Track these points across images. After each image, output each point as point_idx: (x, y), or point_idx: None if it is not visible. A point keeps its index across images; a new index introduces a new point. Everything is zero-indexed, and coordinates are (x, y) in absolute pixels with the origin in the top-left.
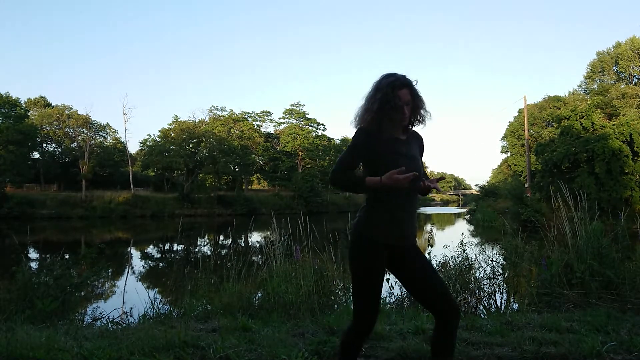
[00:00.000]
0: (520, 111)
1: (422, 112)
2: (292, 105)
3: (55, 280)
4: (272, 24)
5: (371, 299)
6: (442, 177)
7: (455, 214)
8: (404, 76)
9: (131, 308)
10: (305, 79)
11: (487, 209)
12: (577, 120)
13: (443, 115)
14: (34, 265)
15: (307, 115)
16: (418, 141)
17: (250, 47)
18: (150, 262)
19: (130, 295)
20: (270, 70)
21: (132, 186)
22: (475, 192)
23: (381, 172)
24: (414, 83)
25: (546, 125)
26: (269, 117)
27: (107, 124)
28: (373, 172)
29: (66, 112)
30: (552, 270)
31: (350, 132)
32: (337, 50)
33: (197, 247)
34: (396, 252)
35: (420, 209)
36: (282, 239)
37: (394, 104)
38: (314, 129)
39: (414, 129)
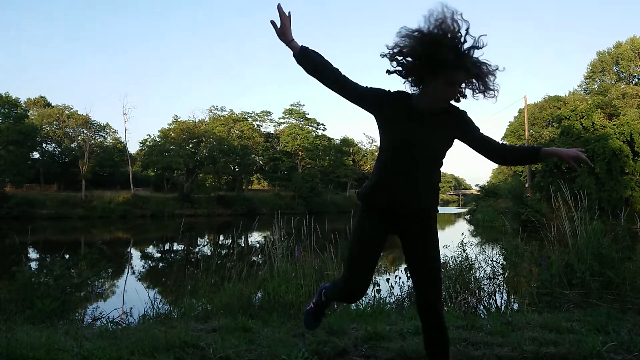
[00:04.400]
0: (520, 111)
1: (487, 89)
2: (292, 105)
3: (55, 281)
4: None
5: (354, 260)
6: None
7: (455, 214)
8: None
9: (131, 308)
10: (306, 78)
11: (487, 209)
12: (577, 120)
13: None
14: (34, 265)
15: (307, 115)
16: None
17: (251, 47)
18: (150, 262)
19: (130, 295)
20: (270, 70)
21: (132, 186)
22: (476, 192)
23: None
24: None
25: (546, 125)
26: (269, 117)
27: (107, 124)
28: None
29: (66, 112)
30: (552, 270)
31: (349, 131)
32: (337, 50)
33: (197, 248)
34: (397, 219)
35: None
36: (283, 238)
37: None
38: (314, 129)
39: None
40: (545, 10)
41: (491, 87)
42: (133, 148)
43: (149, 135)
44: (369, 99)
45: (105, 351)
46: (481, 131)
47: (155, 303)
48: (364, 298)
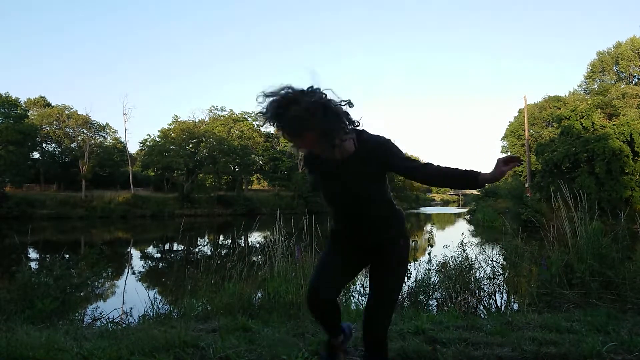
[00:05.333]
0: (520, 111)
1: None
2: None
3: (55, 281)
4: (272, 24)
5: (321, 262)
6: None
7: (455, 214)
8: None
9: (131, 308)
10: (305, 78)
11: (487, 209)
12: (577, 120)
13: (443, 115)
14: (34, 265)
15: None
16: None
17: (251, 47)
18: (150, 262)
19: (130, 295)
20: (270, 70)
21: (132, 186)
22: (476, 192)
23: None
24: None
25: (546, 125)
26: None
27: (107, 124)
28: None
29: (66, 112)
30: (552, 270)
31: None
32: (337, 50)
33: (197, 248)
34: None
35: (421, 209)
36: (283, 238)
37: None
38: None
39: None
40: (545, 10)
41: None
42: (133, 148)
43: (149, 135)
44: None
45: (105, 351)
46: (405, 160)
47: (155, 303)
48: (363, 298)
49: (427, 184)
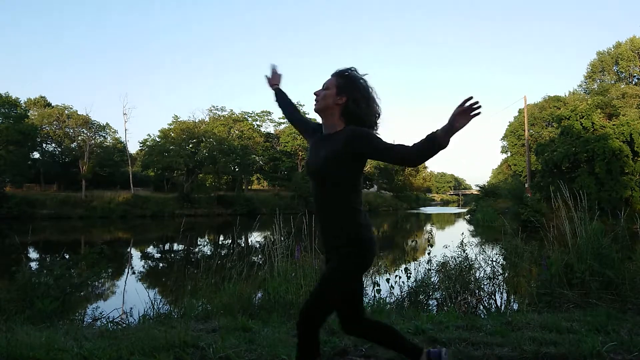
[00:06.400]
0: (520, 111)
1: (357, 106)
2: None
3: (55, 281)
4: (272, 24)
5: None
6: None
7: (455, 214)
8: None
9: (131, 308)
10: (305, 78)
11: (487, 209)
12: (577, 120)
13: (443, 115)
14: (34, 265)
15: (307, 115)
16: (341, 136)
17: (251, 47)
18: (150, 262)
19: (130, 295)
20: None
21: (132, 186)
22: (476, 192)
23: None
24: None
25: (546, 125)
26: (269, 117)
27: (107, 124)
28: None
29: (66, 112)
30: (552, 270)
31: None
32: (337, 50)
33: (197, 247)
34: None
35: (421, 209)
36: (283, 238)
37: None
38: None
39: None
40: (546, 10)
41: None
42: (133, 148)
43: (149, 135)
44: (308, 131)
45: (105, 351)
46: (386, 144)
47: (155, 303)
48: (363, 298)
49: (401, 162)
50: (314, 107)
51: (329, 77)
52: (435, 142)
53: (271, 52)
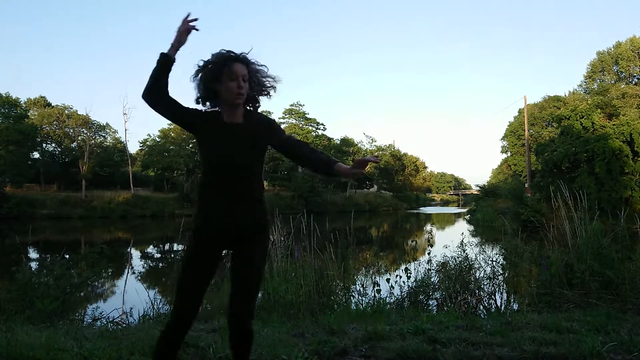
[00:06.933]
0: (520, 111)
1: (263, 84)
2: (291, 105)
3: (55, 281)
4: (272, 24)
5: (184, 284)
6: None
7: (455, 214)
8: (241, 52)
9: (131, 308)
10: (305, 78)
11: (487, 209)
12: (577, 120)
13: (443, 116)
14: (34, 265)
15: (307, 115)
16: (260, 126)
17: (251, 47)
18: (150, 262)
19: (130, 295)
20: (270, 69)
21: (132, 186)
22: (475, 192)
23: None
24: (250, 58)
25: (546, 125)
26: None
27: (107, 124)
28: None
29: (66, 112)
30: (552, 270)
31: (349, 131)
32: (337, 50)
33: None
34: (227, 237)
35: (421, 209)
36: (282, 238)
37: (227, 77)
38: (314, 129)
39: (262, 113)
40: (546, 10)
41: (265, 84)
42: (133, 148)
43: (149, 135)
44: (185, 117)
45: (105, 351)
46: (289, 136)
47: (155, 303)
48: (363, 298)
49: (297, 160)
50: (239, 98)
51: (236, 63)
52: (329, 168)
53: (271, 52)
